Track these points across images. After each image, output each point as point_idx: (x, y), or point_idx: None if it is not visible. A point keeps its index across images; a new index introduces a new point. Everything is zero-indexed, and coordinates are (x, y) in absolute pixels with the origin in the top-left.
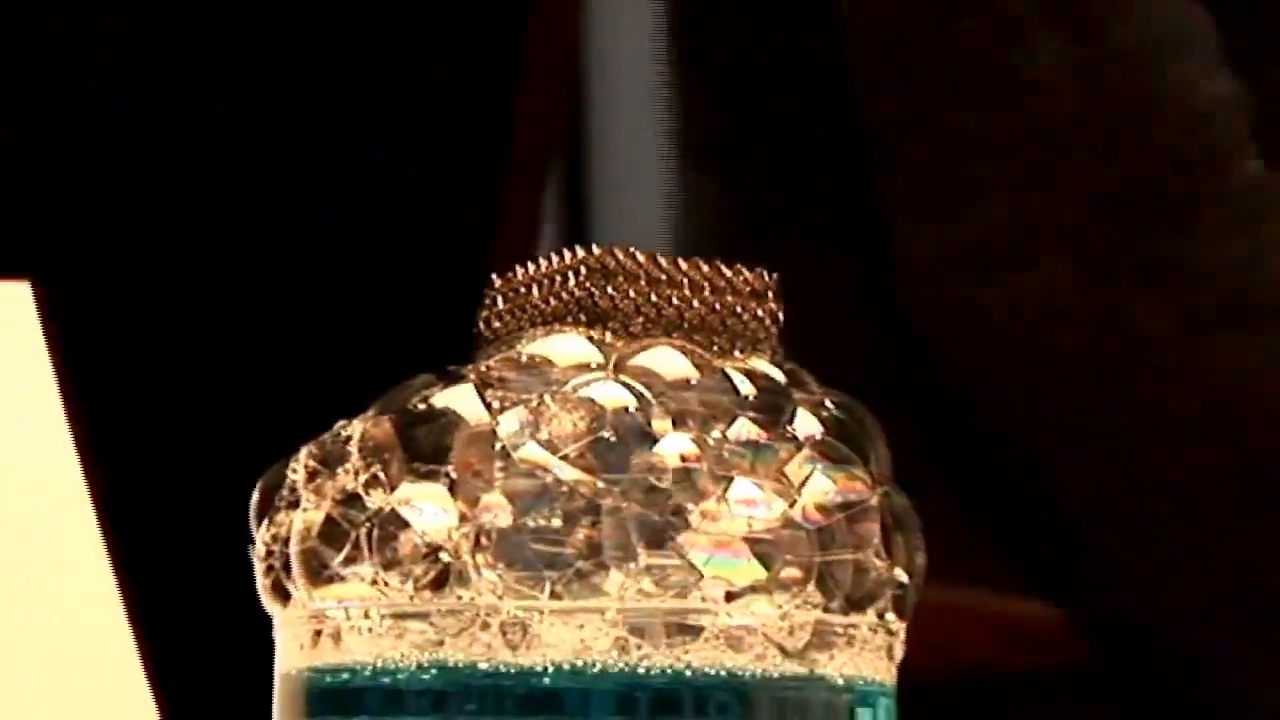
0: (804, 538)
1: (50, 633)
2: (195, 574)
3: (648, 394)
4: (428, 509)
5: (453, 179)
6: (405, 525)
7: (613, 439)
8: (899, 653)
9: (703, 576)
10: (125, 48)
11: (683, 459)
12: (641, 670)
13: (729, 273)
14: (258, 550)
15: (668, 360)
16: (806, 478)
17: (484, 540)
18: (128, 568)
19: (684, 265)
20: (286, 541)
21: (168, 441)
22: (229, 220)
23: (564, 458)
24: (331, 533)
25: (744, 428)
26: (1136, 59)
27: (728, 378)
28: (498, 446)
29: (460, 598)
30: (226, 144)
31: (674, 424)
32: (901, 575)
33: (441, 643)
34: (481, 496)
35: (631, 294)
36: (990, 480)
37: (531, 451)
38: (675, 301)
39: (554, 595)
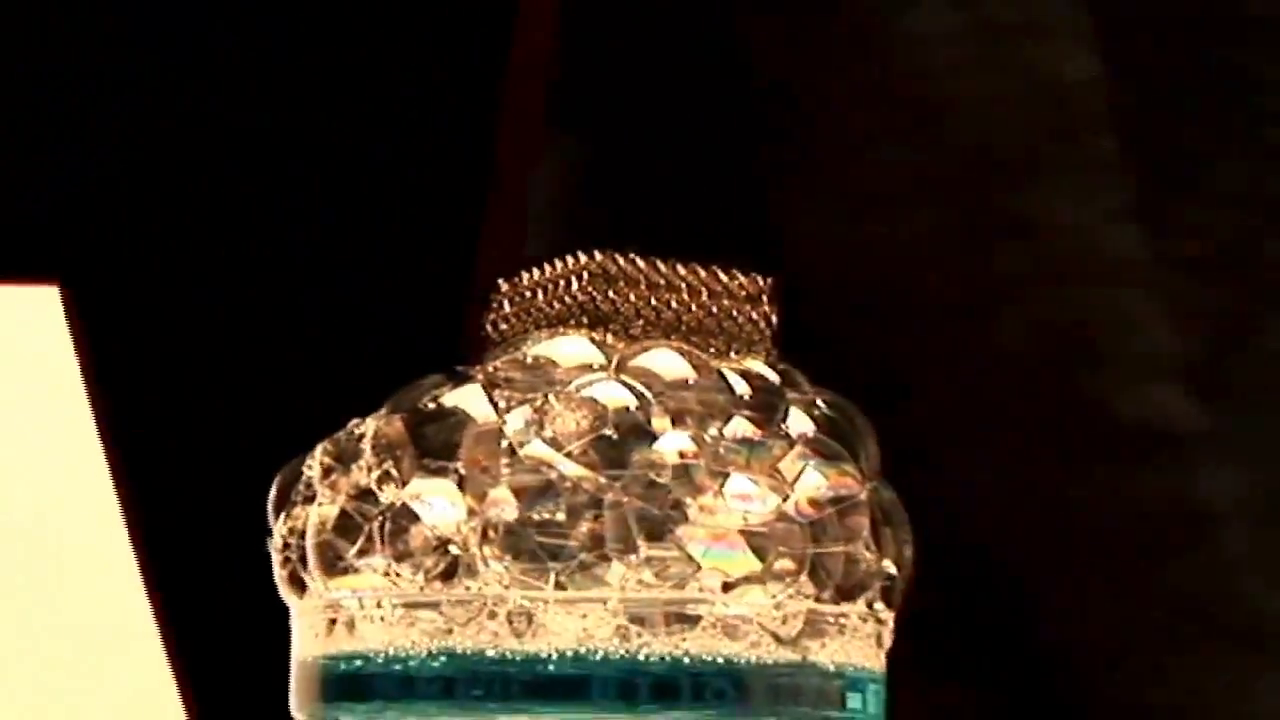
0: (797, 531)
1: (78, 624)
2: (217, 565)
3: (648, 393)
4: (438, 503)
5: (439, 182)
6: (416, 519)
7: (614, 436)
8: (887, 640)
9: (700, 568)
10: (145, 52)
11: (681, 456)
12: (642, 657)
13: (725, 278)
14: (275, 543)
15: (667, 361)
16: (799, 473)
17: (491, 533)
18: (152, 561)
19: (682, 270)
20: (303, 534)
21: (189, 439)
22: (239, 222)
23: (568, 454)
24: (346, 526)
25: (740, 426)
26: (1008, 32)
27: (724, 378)
28: (504, 444)
29: (468, 588)
30: (240, 147)
31: (673, 422)
32: (890, 567)
33: (450, 631)
34: (489, 491)
35: (632, 298)
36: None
37: (537, 448)
38: (674, 305)
39: (558, 586)
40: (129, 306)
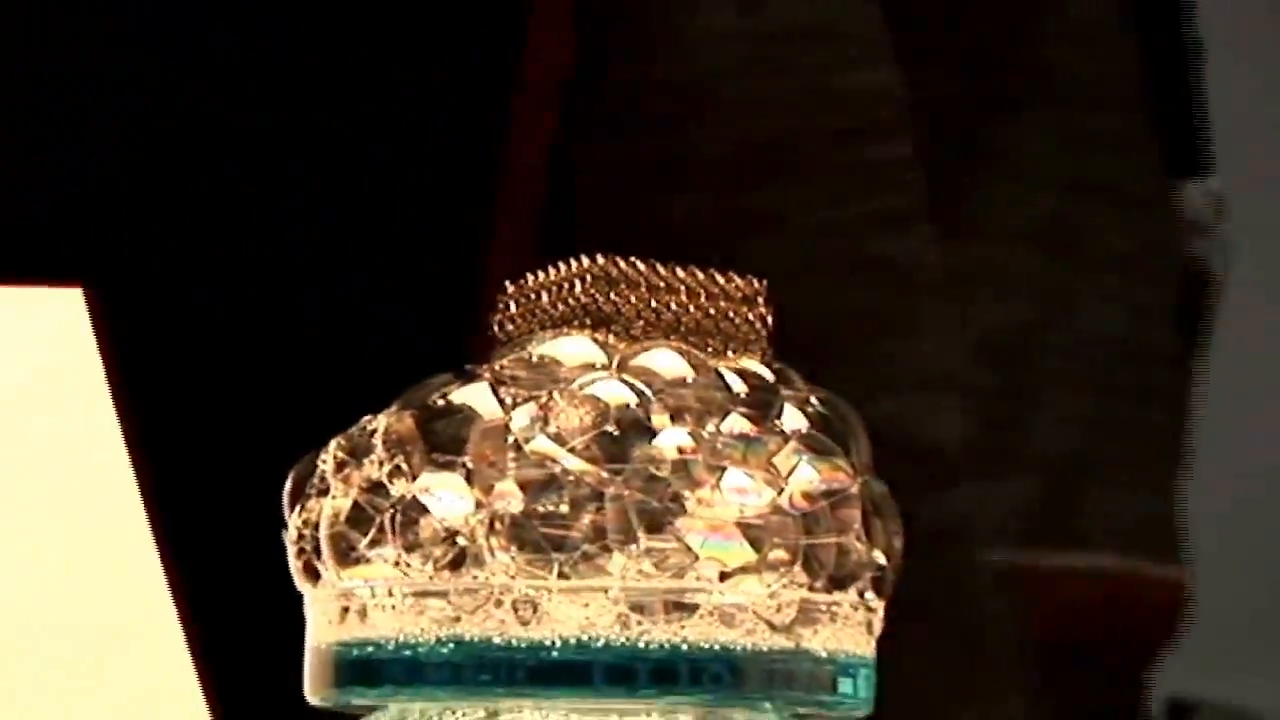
0: (791, 523)
1: (102, 617)
2: (236, 556)
3: (648, 391)
4: (446, 496)
5: (450, 192)
6: (425, 511)
7: (616, 432)
8: (877, 628)
9: (698, 558)
10: (166, 58)
11: (680, 451)
12: (642, 644)
13: (722, 280)
14: (290, 534)
15: (666, 360)
16: (793, 468)
17: (498, 525)
18: (174, 555)
19: (681, 274)
20: (317, 526)
21: (209, 436)
22: (259, 227)
23: (571, 449)
24: (358, 518)
25: (736, 422)
26: (789, 39)
27: (721, 376)
28: (510, 439)
29: (476, 577)
30: (262, 155)
31: (672, 419)
32: (880, 557)
33: (459, 619)
34: (495, 485)
35: (633, 299)
36: None
37: (541, 444)
38: (673, 306)
39: (561, 575)
40: (151, 308)
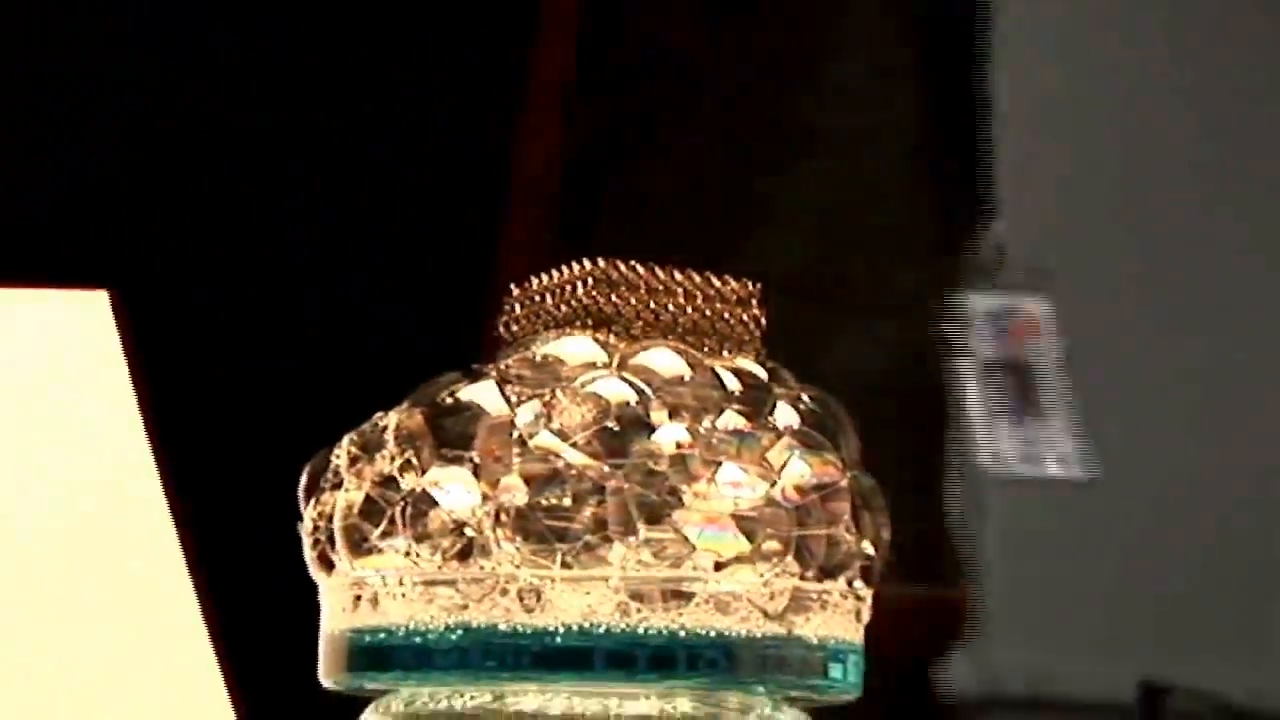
0: (783, 515)
1: (129, 611)
2: (255, 548)
3: (647, 389)
4: (454, 489)
5: (460, 196)
6: (434, 504)
7: (616, 428)
8: (866, 616)
9: (695, 549)
10: (187, 73)
11: (678, 446)
12: (641, 631)
13: (718, 283)
14: (306, 526)
15: (664, 360)
16: (785, 462)
17: (503, 517)
18: (197, 551)
19: (679, 276)
20: (331, 518)
21: (230, 433)
22: (280, 235)
23: (573, 445)
24: (370, 510)
25: (731, 419)
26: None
27: (717, 375)
28: (516, 435)
29: (482, 567)
30: (282, 166)
31: (670, 415)
32: (868, 548)
33: (466, 606)
34: (501, 479)
35: (633, 301)
36: None
37: (545, 439)
38: (671, 308)
39: (564, 565)
40: (173, 311)
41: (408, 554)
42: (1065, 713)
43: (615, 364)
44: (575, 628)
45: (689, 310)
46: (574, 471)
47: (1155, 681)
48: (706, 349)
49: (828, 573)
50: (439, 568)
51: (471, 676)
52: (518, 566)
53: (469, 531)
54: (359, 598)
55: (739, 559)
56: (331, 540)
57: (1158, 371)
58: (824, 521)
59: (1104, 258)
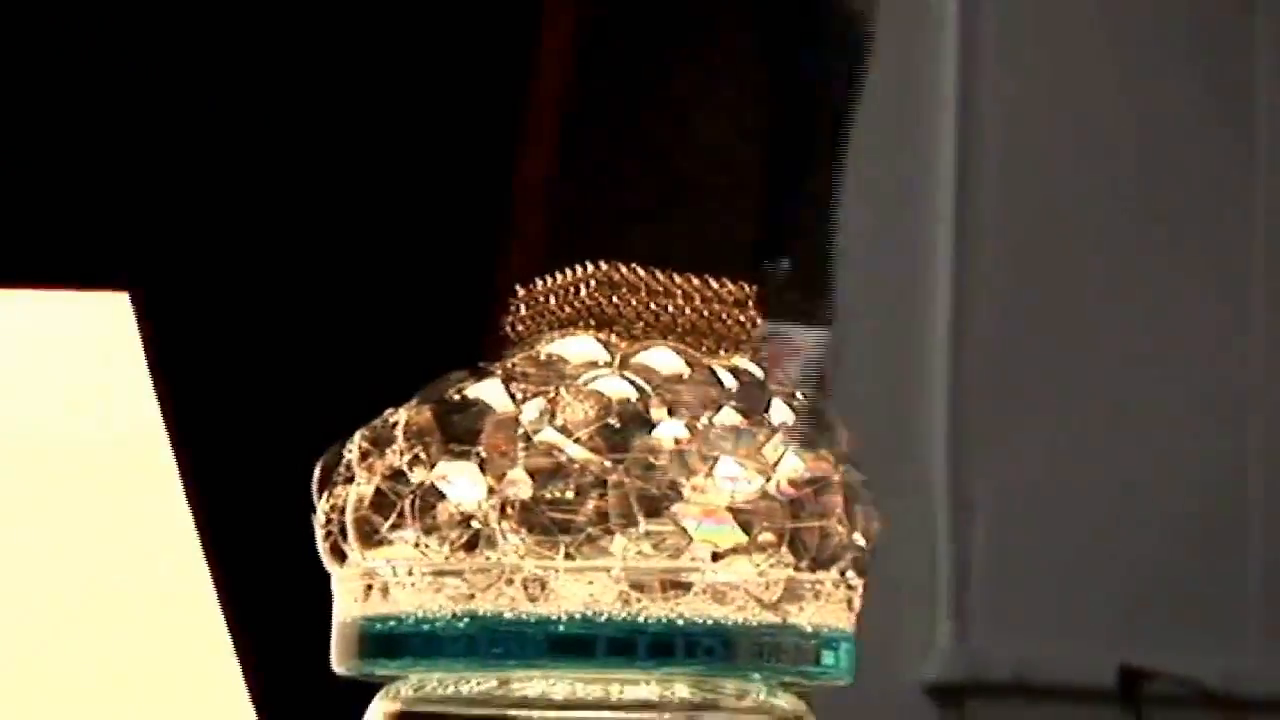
0: (778, 508)
1: (152, 607)
2: (272, 540)
3: (647, 387)
4: (461, 483)
5: (468, 204)
6: (442, 497)
7: (617, 425)
8: (857, 604)
9: (693, 540)
10: (207, 75)
11: (676, 442)
12: (641, 619)
13: (715, 285)
14: (319, 518)
15: (664, 359)
16: (780, 458)
17: (509, 509)
18: (215, 546)
19: (677, 279)
20: (343, 511)
21: (245, 431)
22: (295, 239)
23: (576, 440)
24: (381, 503)
25: (728, 416)
26: None
27: (714, 374)
28: (521, 431)
29: (489, 558)
30: (299, 172)
31: (669, 412)
32: (859, 540)
33: (473, 596)
34: (507, 473)
35: (634, 303)
36: None
37: (549, 435)
38: (670, 309)
39: (568, 556)
40: (193, 315)
41: (417, 545)
42: (1048, 698)
43: (616, 363)
44: (578, 616)
45: (687, 311)
46: (577, 466)
47: (1134, 667)
48: (704, 349)
49: (820, 563)
50: (447, 558)
51: (478, 663)
52: (522, 557)
53: (475, 524)
54: (370, 587)
55: (735, 550)
56: (343, 532)
57: (1134, 363)
58: (817, 515)
59: (1081, 251)
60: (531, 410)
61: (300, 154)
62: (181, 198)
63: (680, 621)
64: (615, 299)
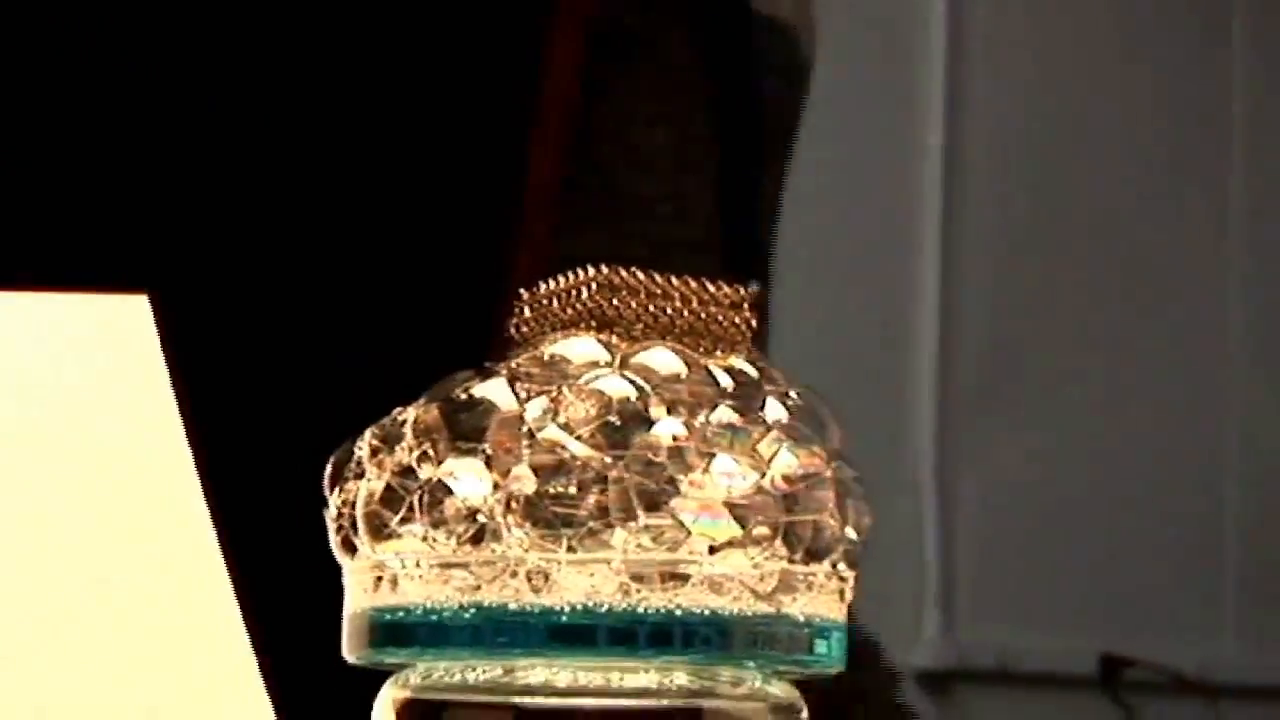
0: (773, 503)
1: (170, 602)
2: (283, 536)
3: (646, 386)
4: (468, 479)
5: (476, 210)
6: (449, 492)
7: (618, 422)
8: (849, 596)
9: (690, 534)
10: (224, 80)
11: (674, 439)
12: (641, 610)
13: (712, 288)
14: (330, 513)
15: (663, 359)
16: (775, 454)
17: (513, 504)
18: (232, 543)
19: (675, 281)
20: (354, 505)
21: (259, 430)
22: (310, 243)
23: (578, 437)
24: (390, 498)
25: (724, 414)
26: None
27: (711, 373)
28: (525, 428)
29: (494, 551)
30: (314, 177)
31: (668, 411)
32: (851, 533)
33: (479, 587)
34: (511, 469)
35: (633, 305)
36: None
37: (552, 432)
38: (669, 311)
39: (570, 549)
40: (210, 317)
41: (425, 539)
42: (1032, 685)
43: (617, 363)
44: (580, 607)
45: (685, 313)
46: (579, 462)
47: (1115, 655)
48: (702, 349)
49: (813, 556)
50: (453, 551)
51: (484, 652)
52: (526, 550)
53: (481, 518)
54: (380, 579)
55: (731, 543)
56: (354, 526)
57: (1115, 362)
58: (810, 509)
59: (1066, 252)
60: (535, 409)
61: (315, 162)
62: (199, 204)
63: (678, 612)
64: (616, 301)
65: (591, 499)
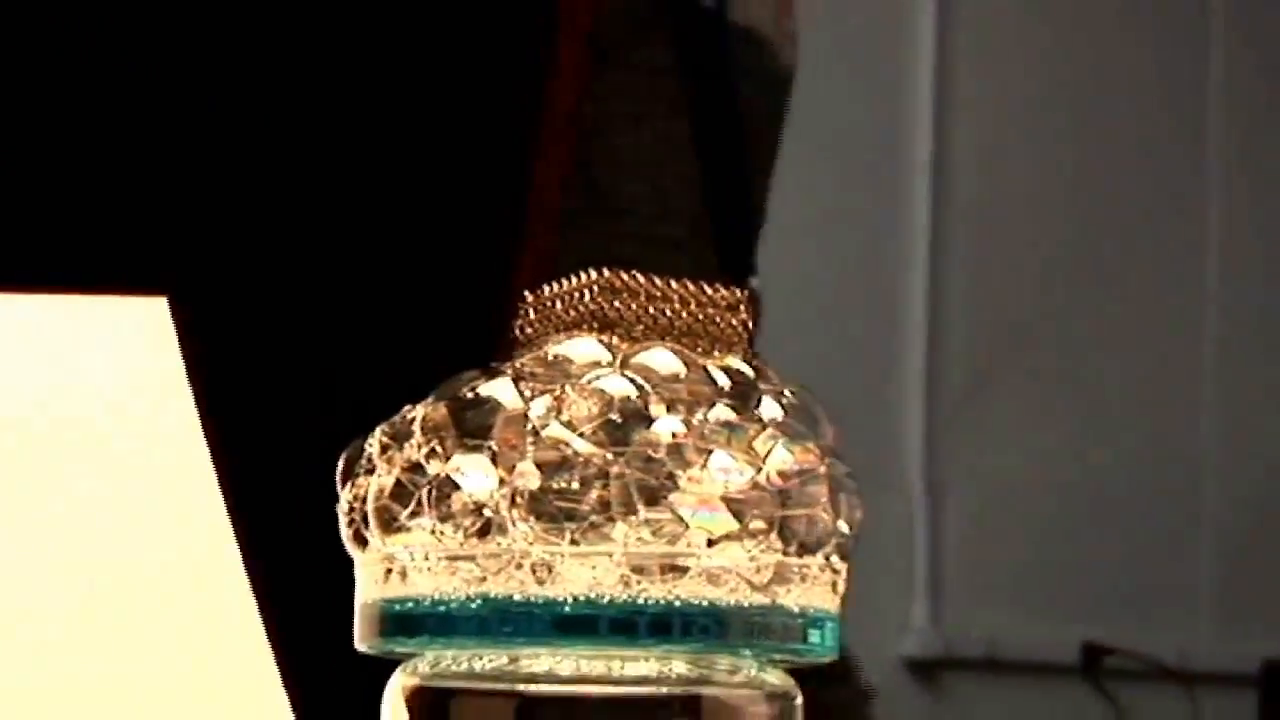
0: (768, 497)
1: (189, 592)
2: (298, 530)
3: (646, 385)
4: (474, 474)
5: (482, 216)
6: (457, 487)
7: (619, 420)
8: (841, 587)
9: (689, 527)
10: (240, 88)
11: (673, 436)
12: (641, 600)
13: (710, 291)
14: (342, 507)
15: (662, 359)
16: (770, 451)
17: (518, 499)
18: (249, 538)
19: (674, 284)
20: (365, 500)
21: (277, 430)
22: (323, 247)
23: (581, 435)
24: (400, 493)
25: (722, 412)
26: None
27: (709, 373)
28: (529, 426)
29: (499, 544)
30: (328, 184)
31: (667, 409)
32: (844, 527)
33: (485, 579)
34: (516, 465)
35: (634, 307)
36: None
37: (555, 430)
38: (668, 313)
39: (573, 542)
40: (228, 319)
41: (433, 532)
42: (1017, 672)
43: (618, 363)
44: (582, 598)
45: (684, 315)
46: (581, 459)
47: (1096, 644)
48: (699, 350)
49: (807, 549)
50: (461, 544)
51: (490, 641)
52: (531, 543)
53: (487, 512)
54: (390, 571)
55: (728, 537)
56: (365, 520)
57: (1097, 362)
58: (804, 504)
59: (1051, 254)
60: (539, 407)
61: (330, 174)
62: (217, 210)
63: (677, 603)
64: (617, 303)
65: (594, 494)
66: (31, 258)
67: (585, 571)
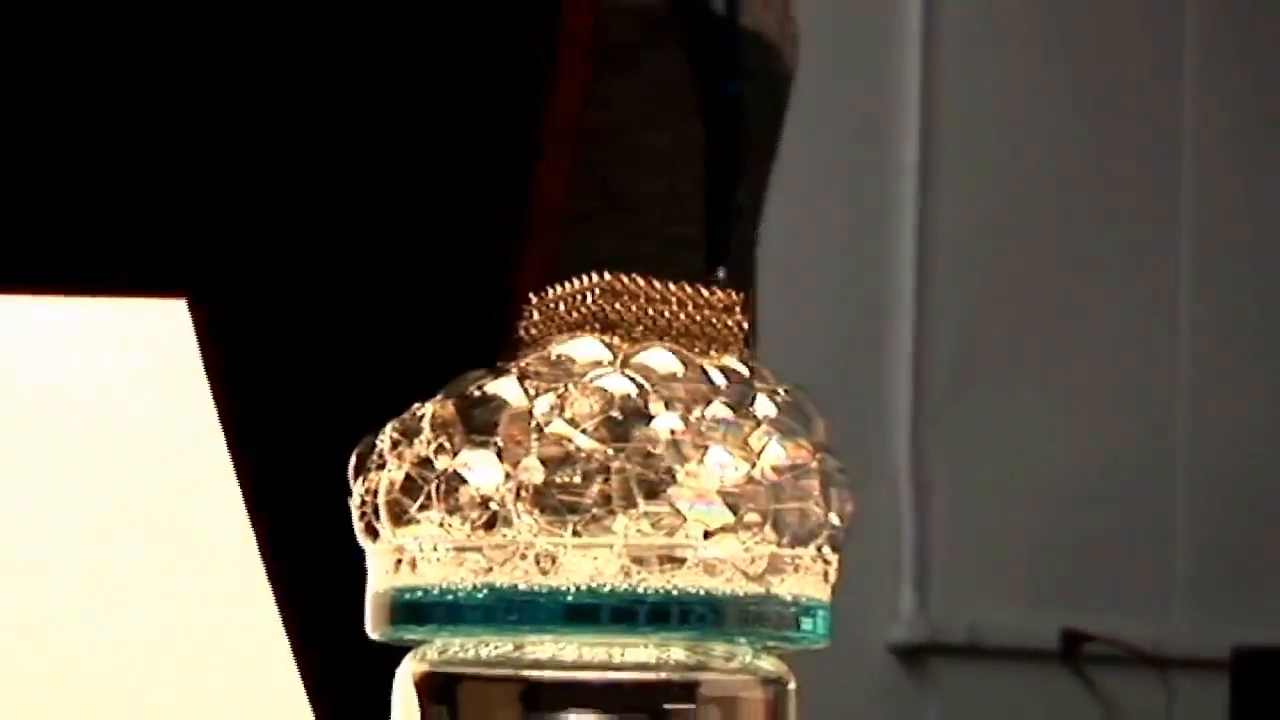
0: (762, 491)
1: (208, 584)
2: (314, 524)
3: (646, 384)
4: (481, 469)
5: (488, 220)
6: (464, 482)
7: (619, 417)
8: (833, 577)
9: (686, 520)
10: (254, 91)
11: (672, 433)
12: (641, 590)
13: (707, 293)
14: (354, 500)
15: (661, 359)
16: (764, 446)
17: (523, 493)
18: (268, 537)
19: (673, 287)
20: (376, 494)
21: (291, 426)
22: (336, 250)
23: (583, 431)
24: (410, 487)
25: (718, 409)
26: None
27: (706, 372)
28: (534, 423)
29: (505, 535)
30: (339, 189)
31: (666, 407)
32: (835, 519)
33: (491, 569)
34: (521, 460)
35: (634, 309)
36: None
37: (559, 426)
38: (667, 314)
39: (575, 534)
40: (244, 320)
41: (441, 524)
42: (999, 657)
43: (619, 362)
44: (584, 587)
45: (682, 316)
46: (583, 454)
47: (1075, 630)
48: (697, 350)
49: (800, 541)
50: (468, 536)
51: (495, 629)
52: (535, 535)
53: (493, 505)
54: (400, 561)
55: (724, 529)
56: (376, 513)
57: (1077, 357)
58: (797, 497)
59: (1034, 251)
60: (543, 404)
61: (344, 180)
62: (234, 213)
63: (675, 592)
64: (618, 305)
65: (595, 488)
66: (51, 259)
67: (587, 562)
